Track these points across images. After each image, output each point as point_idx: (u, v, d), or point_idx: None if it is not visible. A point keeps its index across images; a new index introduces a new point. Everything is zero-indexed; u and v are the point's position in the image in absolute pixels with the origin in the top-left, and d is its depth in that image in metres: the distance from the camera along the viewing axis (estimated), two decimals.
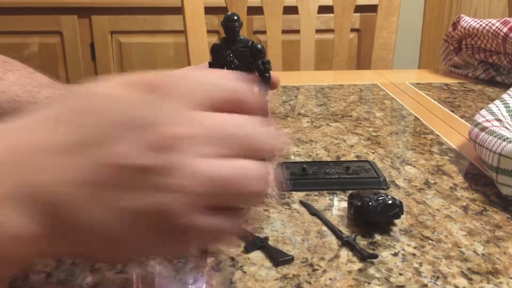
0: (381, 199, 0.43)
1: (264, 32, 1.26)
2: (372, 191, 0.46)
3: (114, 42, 1.88)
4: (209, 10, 1.20)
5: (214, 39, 1.78)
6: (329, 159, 0.60)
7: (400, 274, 0.38)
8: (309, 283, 0.37)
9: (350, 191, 0.48)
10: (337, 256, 0.40)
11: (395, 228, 0.45)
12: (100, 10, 1.84)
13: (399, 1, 1.23)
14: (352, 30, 1.82)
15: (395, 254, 0.41)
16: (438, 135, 0.69)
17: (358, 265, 0.39)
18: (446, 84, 0.96)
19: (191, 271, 0.37)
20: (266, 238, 0.42)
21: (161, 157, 0.25)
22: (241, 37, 0.48)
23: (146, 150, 0.25)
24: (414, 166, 0.58)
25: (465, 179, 0.55)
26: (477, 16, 1.09)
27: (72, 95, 0.30)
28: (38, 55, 1.86)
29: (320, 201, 0.50)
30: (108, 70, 1.91)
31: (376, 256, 0.40)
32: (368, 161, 0.57)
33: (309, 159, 0.60)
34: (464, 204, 0.49)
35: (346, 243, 0.42)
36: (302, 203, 0.49)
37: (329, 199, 0.50)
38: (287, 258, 0.40)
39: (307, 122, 0.74)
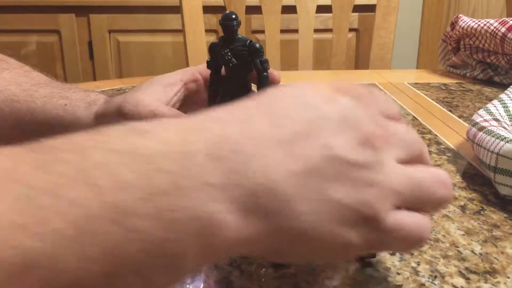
0: None
1: (262, 32, 1.26)
2: None
3: (112, 41, 1.88)
4: (207, 9, 1.20)
5: (213, 38, 1.78)
6: None
7: (398, 274, 0.38)
8: (307, 282, 0.37)
9: None
10: None
11: None
12: (98, 9, 1.83)
13: (398, 1, 1.23)
14: (351, 29, 1.82)
15: (393, 254, 0.41)
16: (436, 135, 0.69)
17: (356, 264, 0.39)
18: (444, 84, 0.96)
19: None
20: None
21: (370, 153, 0.28)
22: (239, 36, 0.48)
23: (357, 146, 0.28)
24: None
25: (463, 179, 0.55)
26: (475, 16, 1.09)
27: (278, 93, 0.30)
28: (36, 53, 1.86)
29: None
30: (106, 69, 1.90)
31: (374, 256, 0.40)
32: None
33: None
34: (462, 203, 0.49)
35: None
36: None
37: None
38: None
39: None
